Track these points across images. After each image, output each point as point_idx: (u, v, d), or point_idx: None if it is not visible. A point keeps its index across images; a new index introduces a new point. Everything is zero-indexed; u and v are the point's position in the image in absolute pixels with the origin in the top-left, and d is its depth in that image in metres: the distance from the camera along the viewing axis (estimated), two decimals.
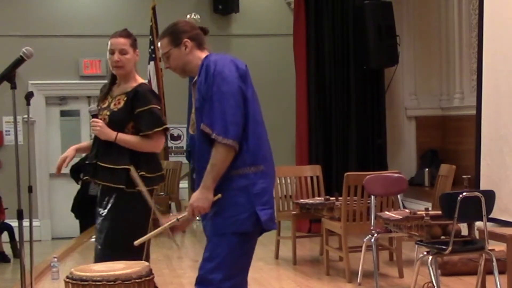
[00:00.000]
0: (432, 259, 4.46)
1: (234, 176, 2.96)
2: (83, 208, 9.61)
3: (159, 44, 3.22)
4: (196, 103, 3.07)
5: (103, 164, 3.81)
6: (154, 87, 8.53)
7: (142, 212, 3.73)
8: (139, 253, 3.67)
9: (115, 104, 3.88)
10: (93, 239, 8.66)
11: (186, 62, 3.13)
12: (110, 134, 3.80)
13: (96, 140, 3.91)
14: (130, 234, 3.53)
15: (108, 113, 3.88)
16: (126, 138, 3.80)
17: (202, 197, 2.97)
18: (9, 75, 3.65)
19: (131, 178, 3.66)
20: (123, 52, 3.83)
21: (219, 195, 3.00)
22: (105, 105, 3.95)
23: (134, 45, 3.89)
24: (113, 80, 3.98)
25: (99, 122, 3.85)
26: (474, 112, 6.80)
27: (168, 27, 3.21)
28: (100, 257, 3.83)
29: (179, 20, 3.26)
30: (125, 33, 3.89)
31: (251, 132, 3.00)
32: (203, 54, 3.13)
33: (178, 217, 3.13)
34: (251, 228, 2.98)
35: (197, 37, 3.15)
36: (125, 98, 3.85)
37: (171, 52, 3.13)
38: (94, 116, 3.92)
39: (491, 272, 4.49)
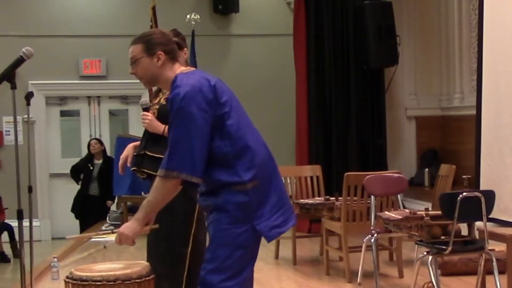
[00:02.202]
0: (432, 259, 4.46)
1: (235, 192, 2.95)
2: (83, 208, 9.61)
3: (130, 48, 3.11)
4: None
5: (150, 154, 3.94)
6: (154, 87, 8.52)
7: (187, 204, 3.80)
8: (186, 245, 3.81)
9: (165, 99, 4.02)
10: (93, 239, 8.65)
11: (156, 74, 3.07)
12: (159, 127, 3.95)
13: (146, 133, 4.06)
14: (176, 225, 3.75)
15: (157, 107, 4.03)
16: None
17: (131, 227, 2.99)
18: (9, 75, 3.65)
19: None
20: None
21: (156, 226, 3.10)
22: (157, 101, 4.11)
23: (180, 45, 3.99)
24: None
25: (148, 116, 4.00)
26: (474, 112, 6.80)
27: (143, 34, 3.13)
28: (152, 248, 4.01)
29: (155, 30, 3.23)
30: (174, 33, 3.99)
31: (242, 148, 2.95)
32: (174, 70, 3.07)
33: (106, 245, 3.21)
34: (248, 241, 2.97)
35: (172, 51, 3.08)
36: None
37: (142, 60, 3.05)
38: (145, 109, 4.05)
39: (491, 272, 4.50)
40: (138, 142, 4.19)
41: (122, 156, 4.07)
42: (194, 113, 2.88)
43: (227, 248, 2.95)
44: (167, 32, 3.20)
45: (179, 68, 3.10)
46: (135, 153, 4.09)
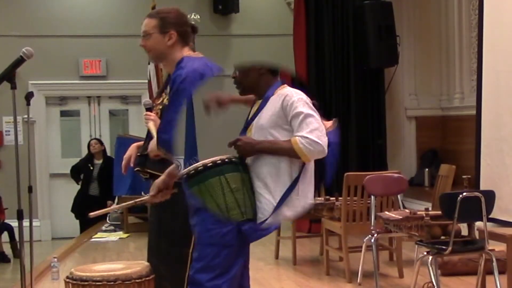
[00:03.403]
0: (432, 259, 4.46)
1: None
2: (83, 208, 9.59)
3: (144, 21, 3.15)
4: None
5: None
6: (154, 87, 8.53)
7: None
8: (187, 245, 3.78)
9: (167, 99, 3.98)
10: (93, 239, 8.66)
11: (164, 52, 3.12)
12: None
13: (149, 133, 4.01)
14: (177, 224, 3.68)
15: (160, 107, 3.98)
16: None
17: (164, 179, 3.14)
18: (9, 75, 3.64)
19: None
20: None
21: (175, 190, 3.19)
22: (159, 101, 4.07)
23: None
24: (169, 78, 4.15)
25: (151, 115, 3.96)
26: (474, 112, 6.80)
27: (161, 10, 3.16)
28: (153, 248, 3.96)
29: (173, 9, 3.20)
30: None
31: None
32: (184, 52, 3.11)
33: (136, 200, 3.34)
34: (233, 240, 2.97)
35: (185, 34, 3.12)
36: None
37: (153, 35, 3.10)
38: (148, 109, 4.02)
39: (491, 272, 4.49)
40: (141, 142, 4.18)
41: (125, 156, 4.07)
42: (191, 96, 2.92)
43: (214, 247, 2.96)
44: (184, 14, 3.20)
45: (188, 52, 3.11)
46: (138, 153, 4.08)
